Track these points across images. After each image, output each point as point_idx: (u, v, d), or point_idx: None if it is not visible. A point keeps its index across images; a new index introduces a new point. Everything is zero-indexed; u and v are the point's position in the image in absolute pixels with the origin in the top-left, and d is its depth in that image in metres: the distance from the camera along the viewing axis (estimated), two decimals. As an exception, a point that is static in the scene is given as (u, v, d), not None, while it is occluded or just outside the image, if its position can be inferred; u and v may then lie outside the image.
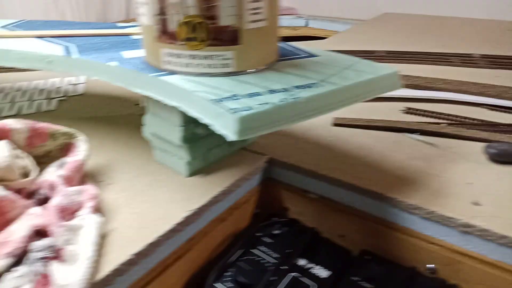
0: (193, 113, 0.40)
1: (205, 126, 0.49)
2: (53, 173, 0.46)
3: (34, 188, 0.44)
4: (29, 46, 0.55)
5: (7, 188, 0.39)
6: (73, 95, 0.78)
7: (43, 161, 0.48)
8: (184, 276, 0.47)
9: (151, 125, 0.51)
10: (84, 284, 0.33)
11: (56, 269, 0.34)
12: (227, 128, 0.36)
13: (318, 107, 0.39)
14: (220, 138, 0.54)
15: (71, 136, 0.49)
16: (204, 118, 0.38)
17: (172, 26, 0.41)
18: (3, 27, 0.68)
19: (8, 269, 0.34)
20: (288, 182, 0.56)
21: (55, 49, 0.53)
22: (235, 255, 0.49)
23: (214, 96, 0.38)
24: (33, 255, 0.35)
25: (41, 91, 0.80)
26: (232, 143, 0.55)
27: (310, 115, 0.39)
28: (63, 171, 0.43)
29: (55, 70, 0.52)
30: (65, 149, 0.50)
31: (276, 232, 0.52)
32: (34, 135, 0.46)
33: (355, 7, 1.67)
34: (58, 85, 0.83)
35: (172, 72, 0.44)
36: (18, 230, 0.36)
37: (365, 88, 0.44)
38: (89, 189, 0.43)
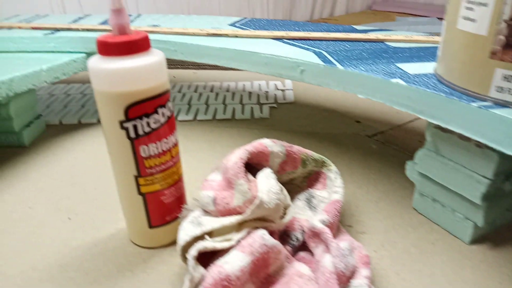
0: None
1: (517, 181, 0.35)
2: (305, 212, 0.37)
3: (286, 229, 0.35)
4: (274, 49, 0.47)
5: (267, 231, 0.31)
6: (284, 103, 0.71)
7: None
8: None
9: (426, 165, 0.38)
10: None
11: None
12: None
13: None
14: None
15: (321, 164, 0.40)
16: None
17: (534, 38, 0.27)
18: (230, 24, 0.64)
19: None
20: None
21: (305, 55, 0.44)
22: None
23: None
24: None
25: (249, 94, 0.75)
26: (527, 202, 0.39)
27: None
28: (325, 216, 0.34)
29: (306, 81, 0.43)
30: (310, 178, 0.41)
31: None
32: (289, 161, 0.37)
33: None
34: (265, 89, 0.77)
35: (503, 104, 0.30)
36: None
37: None
38: (358, 246, 0.33)
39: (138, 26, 0.62)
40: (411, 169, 0.40)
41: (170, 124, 0.35)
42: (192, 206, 0.37)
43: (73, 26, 0.62)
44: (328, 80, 0.41)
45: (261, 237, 0.29)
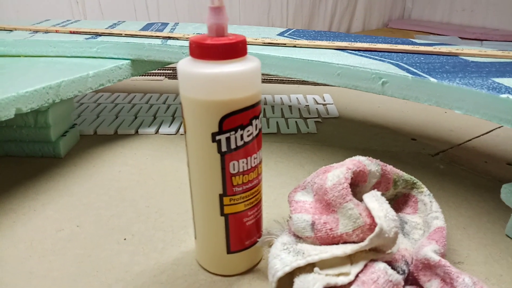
0: None
1: None
2: (401, 240, 0.33)
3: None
4: (344, 59, 0.44)
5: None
6: (328, 118, 0.68)
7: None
8: None
9: (529, 189, 0.35)
10: None
11: None
12: None
13: None
14: None
15: (411, 186, 0.36)
16: None
17: None
18: (279, 35, 0.61)
19: None
20: None
21: (383, 67, 0.41)
22: None
23: None
24: None
25: (289, 108, 0.71)
26: None
27: None
28: (436, 245, 0.30)
29: (387, 94, 0.40)
30: (397, 200, 0.37)
31: None
32: (382, 181, 0.34)
33: None
34: (305, 103, 0.74)
35: None
36: None
37: None
38: (477, 281, 0.29)
39: (184, 34, 0.59)
40: (509, 193, 0.37)
41: (259, 139, 0.31)
42: (274, 229, 0.33)
43: (115, 31, 0.59)
44: (417, 94, 0.38)
45: (384, 272, 0.25)
